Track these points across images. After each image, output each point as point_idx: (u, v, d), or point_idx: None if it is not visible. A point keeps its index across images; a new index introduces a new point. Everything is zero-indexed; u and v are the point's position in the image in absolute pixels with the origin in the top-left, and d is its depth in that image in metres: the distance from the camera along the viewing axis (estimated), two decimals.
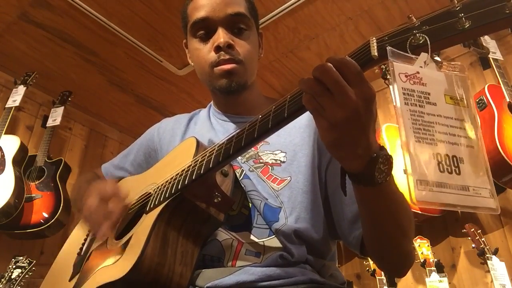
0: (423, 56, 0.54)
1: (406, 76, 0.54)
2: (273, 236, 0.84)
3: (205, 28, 0.98)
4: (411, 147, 0.50)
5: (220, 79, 0.97)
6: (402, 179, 2.05)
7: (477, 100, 2.08)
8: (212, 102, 1.15)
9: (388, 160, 0.62)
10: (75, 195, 1.18)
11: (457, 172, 0.50)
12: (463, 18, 0.51)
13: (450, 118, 0.53)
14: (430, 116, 0.53)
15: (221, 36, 0.95)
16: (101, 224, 0.83)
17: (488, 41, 2.20)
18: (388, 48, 0.54)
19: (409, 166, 0.49)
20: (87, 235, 1.07)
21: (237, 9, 0.98)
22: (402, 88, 0.53)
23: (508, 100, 2.02)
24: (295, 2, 2.25)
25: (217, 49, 0.95)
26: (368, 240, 0.81)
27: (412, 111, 0.52)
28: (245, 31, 1.00)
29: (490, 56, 2.15)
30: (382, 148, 0.63)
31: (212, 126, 1.07)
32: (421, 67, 0.55)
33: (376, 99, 0.58)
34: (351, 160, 0.63)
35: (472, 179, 0.51)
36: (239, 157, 0.94)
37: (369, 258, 2.24)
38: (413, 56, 0.55)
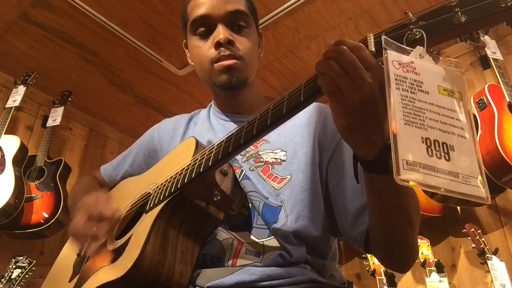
0: (419, 49, 0.55)
1: (399, 64, 0.54)
2: (273, 236, 0.84)
3: (205, 25, 0.98)
4: (399, 128, 0.50)
5: (220, 75, 0.96)
6: None
7: (477, 100, 2.08)
8: (212, 102, 1.15)
9: None
10: (71, 202, 1.17)
11: (447, 158, 0.51)
12: (459, 13, 0.52)
13: (442, 108, 0.54)
14: (421, 103, 0.53)
15: (221, 32, 0.95)
16: (87, 243, 0.84)
17: (488, 41, 2.20)
18: (383, 37, 0.55)
19: (396, 145, 0.49)
20: None
21: (236, 6, 0.98)
22: (395, 74, 0.53)
23: (508, 100, 2.02)
24: (295, 2, 2.25)
25: (217, 45, 0.95)
26: (374, 233, 0.80)
27: (403, 96, 0.53)
28: (244, 28, 1.00)
29: (490, 56, 2.15)
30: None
31: (211, 126, 1.07)
32: (415, 58, 0.55)
33: None
34: (364, 146, 0.63)
35: (462, 167, 0.51)
36: (239, 156, 0.94)
37: (368, 258, 2.24)
38: (408, 48, 0.55)
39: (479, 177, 0.51)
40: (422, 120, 0.52)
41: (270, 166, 0.92)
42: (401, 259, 0.82)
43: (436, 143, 0.51)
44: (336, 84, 0.57)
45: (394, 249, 0.80)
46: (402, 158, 0.49)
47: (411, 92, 0.53)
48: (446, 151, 0.51)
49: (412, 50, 0.55)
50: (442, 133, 0.52)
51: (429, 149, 0.50)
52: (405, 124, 0.51)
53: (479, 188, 0.50)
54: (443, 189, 0.49)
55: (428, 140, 0.51)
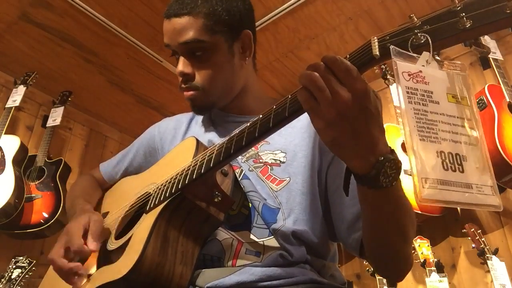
0: (425, 55, 0.54)
1: (409, 75, 0.54)
2: (273, 236, 0.84)
3: (173, 52, 1.00)
4: (415, 145, 0.50)
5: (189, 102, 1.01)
6: (403, 178, 2.05)
7: (477, 100, 2.08)
8: None
9: (396, 165, 0.61)
10: (69, 208, 1.16)
11: (461, 170, 0.50)
12: (464, 18, 0.51)
13: (452, 117, 0.53)
14: (433, 115, 0.53)
15: (178, 65, 0.97)
16: (60, 275, 0.83)
17: (488, 41, 2.20)
18: (391, 47, 0.54)
19: (414, 164, 0.49)
20: None
21: (186, 37, 0.93)
22: (406, 87, 0.53)
23: (508, 100, 2.02)
24: (295, 2, 2.25)
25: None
26: (368, 243, 0.80)
27: (415, 110, 0.52)
28: (202, 54, 0.96)
29: (490, 56, 2.15)
30: (392, 152, 0.62)
31: (213, 126, 1.08)
32: (423, 66, 0.55)
33: (371, 97, 0.58)
34: (353, 159, 0.62)
35: (474, 176, 0.51)
36: (239, 157, 0.94)
37: None
38: (415, 55, 0.55)
39: (491, 185, 0.51)
40: (436, 133, 0.52)
41: (269, 167, 0.92)
42: (393, 269, 0.83)
43: (450, 156, 0.51)
44: (314, 101, 0.58)
45: (386, 259, 0.81)
46: (421, 177, 0.49)
47: (422, 104, 0.53)
48: (459, 162, 0.51)
49: (418, 57, 0.55)
50: (454, 144, 0.52)
51: (444, 163, 0.50)
52: (420, 140, 0.51)
53: (492, 196, 0.50)
54: (460, 203, 0.49)
55: (442, 154, 0.51)
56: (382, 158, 0.60)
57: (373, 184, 0.62)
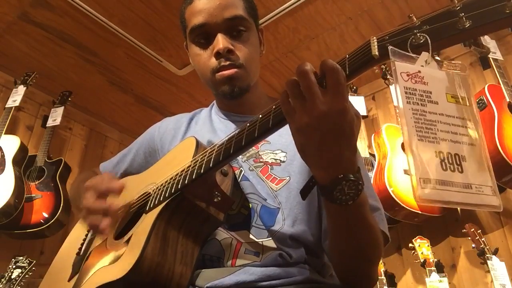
0: (424, 55, 0.54)
1: (407, 75, 0.54)
2: (271, 238, 0.85)
3: (204, 34, 0.98)
4: (414, 146, 0.50)
5: (222, 85, 0.97)
6: (403, 178, 2.05)
7: (477, 100, 2.07)
8: (214, 101, 1.16)
9: (356, 186, 0.63)
10: (74, 193, 1.17)
11: (460, 170, 0.50)
12: (464, 18, 0.51)
13: (451, 117, 0.53)
14: (432, 115, 0.53)
15: (220, 42, 0.94)
16: (99, 221, 0.82)
17: (488, 41, 2.20)
18: (390, 47, 0.54)
19: (412, 165, 0.49)
20: (86, 235, 1.07)
21: (234, 12, 0.96)
22: (404, 87, 0.53)
23: (508, 100, 2.02)
24: (295, 2, 2.25)
25: (217, 55, 0.95)
26: (330, 252, 0.84)
27: (414, 110, 0.52)
28: (244, 33, 0.98)
29: (490, 56, 2.15)
30: (357, 172, 0.63)
31: (213, 126, 1.07)
32: (422, 66, 0.55)
33: (348, 116, 0.59)
34: (316, 168, 0.65)
35: (474, 177, 0.50)
36: (240, 156, 0.94)
37: None
38: (414, 55, 0.55)
39: (491, 185, 0.50)
40: (434, 133, 0.52)
41: (270, 167, 0.92)
42: (351, 283, 0.83)
43: (449, 156, 0.51)
44: (291, 105, 0.61)
45: (345, 272, 0.83)
46: (419, 177, 0.49)
47: (421, 104, 0.53)
48: (458, 162, 0.51)
49: (417, 57, 0.55)
50: (453, 144, 0.52)
51: (443, 163, 0.50)
52: (419, 140, 0.51)
53: (492, 196, 0.50)
54: (459, 204, 0.49)
55: (441, 154, 0.51)
56: (342, 175, 0.62)
57: (328, 197, 0.64)
